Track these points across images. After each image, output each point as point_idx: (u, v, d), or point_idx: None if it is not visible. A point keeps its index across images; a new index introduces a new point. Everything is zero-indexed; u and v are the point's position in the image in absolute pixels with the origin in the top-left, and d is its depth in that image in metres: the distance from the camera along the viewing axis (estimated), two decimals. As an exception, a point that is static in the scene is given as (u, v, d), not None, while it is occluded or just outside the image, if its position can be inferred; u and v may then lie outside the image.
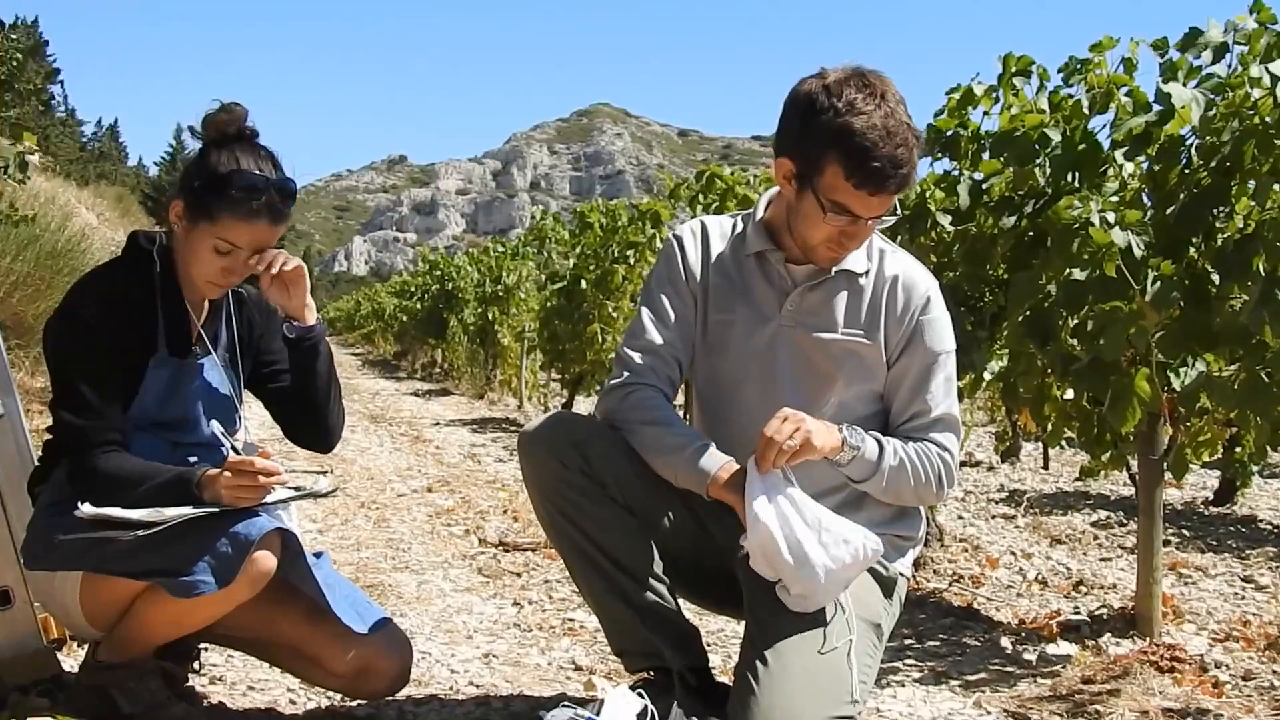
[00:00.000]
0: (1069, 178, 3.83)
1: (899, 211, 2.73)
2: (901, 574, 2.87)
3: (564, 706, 2.49)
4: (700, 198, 7.65)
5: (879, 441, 2.68)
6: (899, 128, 2.50)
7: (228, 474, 2.60)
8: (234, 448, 2.73)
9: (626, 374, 2.79)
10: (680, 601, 2.89)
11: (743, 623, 2.78)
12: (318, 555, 2.89)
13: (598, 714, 2.44)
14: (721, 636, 3.99)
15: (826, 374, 2.77)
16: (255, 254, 2.76)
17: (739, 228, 2.89)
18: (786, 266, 2.79)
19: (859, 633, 2.63)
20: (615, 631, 2.89)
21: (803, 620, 2.58)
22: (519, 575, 4.95)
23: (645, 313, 2.85)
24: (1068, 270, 3.67)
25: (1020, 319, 4.02)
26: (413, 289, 23.14)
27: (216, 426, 2.80)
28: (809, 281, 2.78)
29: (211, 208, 2.69)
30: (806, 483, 2.59)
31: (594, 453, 2.74)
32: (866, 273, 2.78)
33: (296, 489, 2.78)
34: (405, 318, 23.78)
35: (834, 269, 2.75)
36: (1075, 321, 3.85)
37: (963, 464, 9.60)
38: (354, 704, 3.10)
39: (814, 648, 2.56)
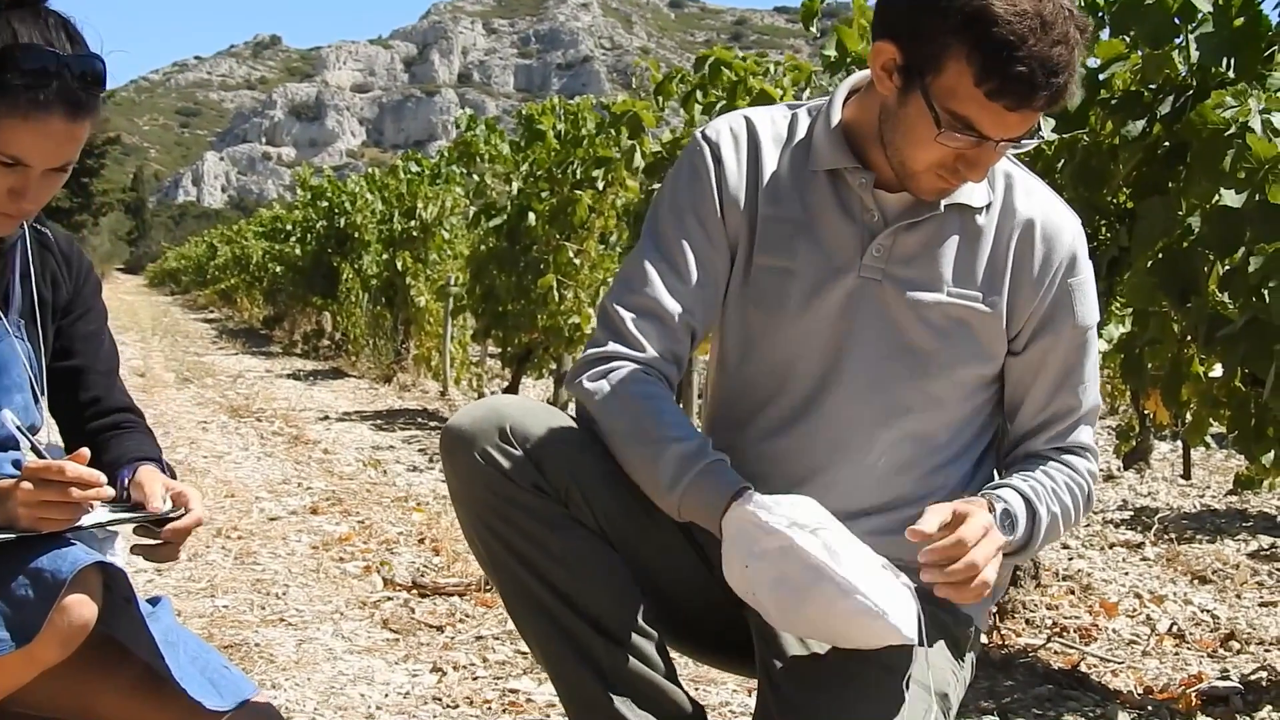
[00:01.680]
0: (1222, 64, 3.85)
1: (1043, 132, 2.71)
2: (976, 625, 2.89)
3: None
4: (699, 95, 7.65)
5: (1029, 503, 2.65)
6: (1058, 15, 2.43)
7: (26, 485, 2.58)
8: (35, 448, 2.72)
9: (612, 343, 2.76)
10: (672, 659, 2.88)
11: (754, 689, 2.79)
12: (154, 602, 2.88)
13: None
14: (726, 713, 4.02)
15: (925, 352, 2.74)
16: (56, 168, 2.74)
17: (801, 128, 2.84)
18: (875, 193, 2.75)
19: (920, 703, 2.65)
20: (580, 711, 2.87)
21: (846, 688, 2.60)
22: (440, 630, 4.97)
23: (652, 254, 2.80)
24: (1217, 195, 3.69)
25: (1150, 264, 4.03)
26: (290, 227, 23.11)
27: (9, 418, 2.79)
28: (906, 218, 2.74)
29: None
30: (829, 499, 2.60)
31: (550, 454, 2.68)
32: (987, 208, 2.76)
33: (125, 507, 2.77)
34: (280, 268, 23.77)
35: (943, 203, 2.73)
36: (1227, 268, 3.87)
37: (1070, 472, 9.64)
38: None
39: None
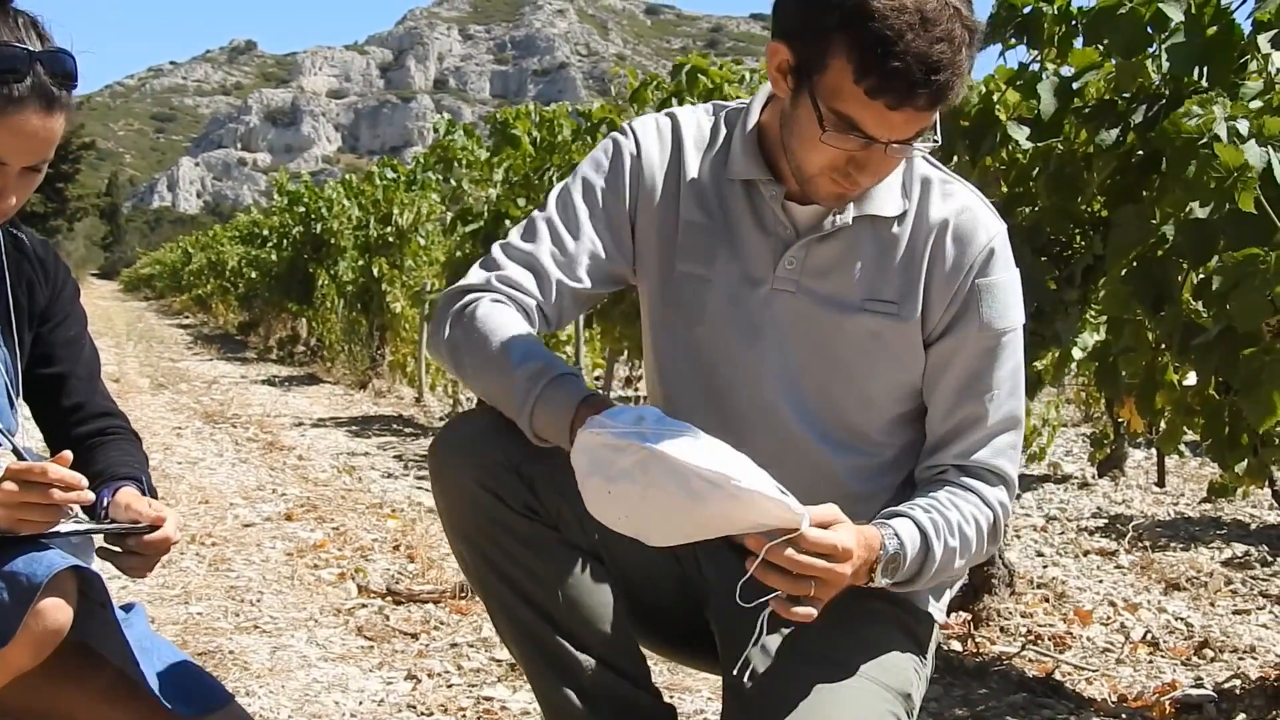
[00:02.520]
0: (1194, 74, 3.86)
1: (939, 136, 2.68)
2: (936, 620, 2.90)
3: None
4: (675, 102, 7.66)
5: (925, 537, 2.59)
6: (941, 13, 2.38)
7: (9, 485, 2.58)
8: (16, 450, 2.72)
9: (485, 277, 2.75)
10: (646, 664, 2.89)
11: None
12: (128, 609, 2.88)
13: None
14: (702, 721, 4.02)
15: (843, 361, 2.73)
16: (33, 165, 2.74)
17: (722, 135, 2.83)
18: (786, 205, 2.73)
19: (882, 701, 2.66)
20: None
21: (808, 691, 2.60)
22: (415, 637, 4.97)
23: (550, 216, 2.79)
24: (1189, 205, 3.70)
25: (1124, 273, 4.04)
26: (266, 233, 23.07)
27: (-12, 423, 2.79)
28: (818, 231, 2.72)
29: None
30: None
31: (541, 473, 2.66)
32: (902, 216, 2.72)
33: (101, 520, 2.77)
34: (255, 274, 23.71)
35: (851, 213, 2.70)
36: (1200, 276, 3.88)
37: (1045, 478, 9.68)
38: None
39: None
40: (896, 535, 2.51)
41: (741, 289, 2.74)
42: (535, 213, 2.82)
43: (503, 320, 2.65)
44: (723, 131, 2.82)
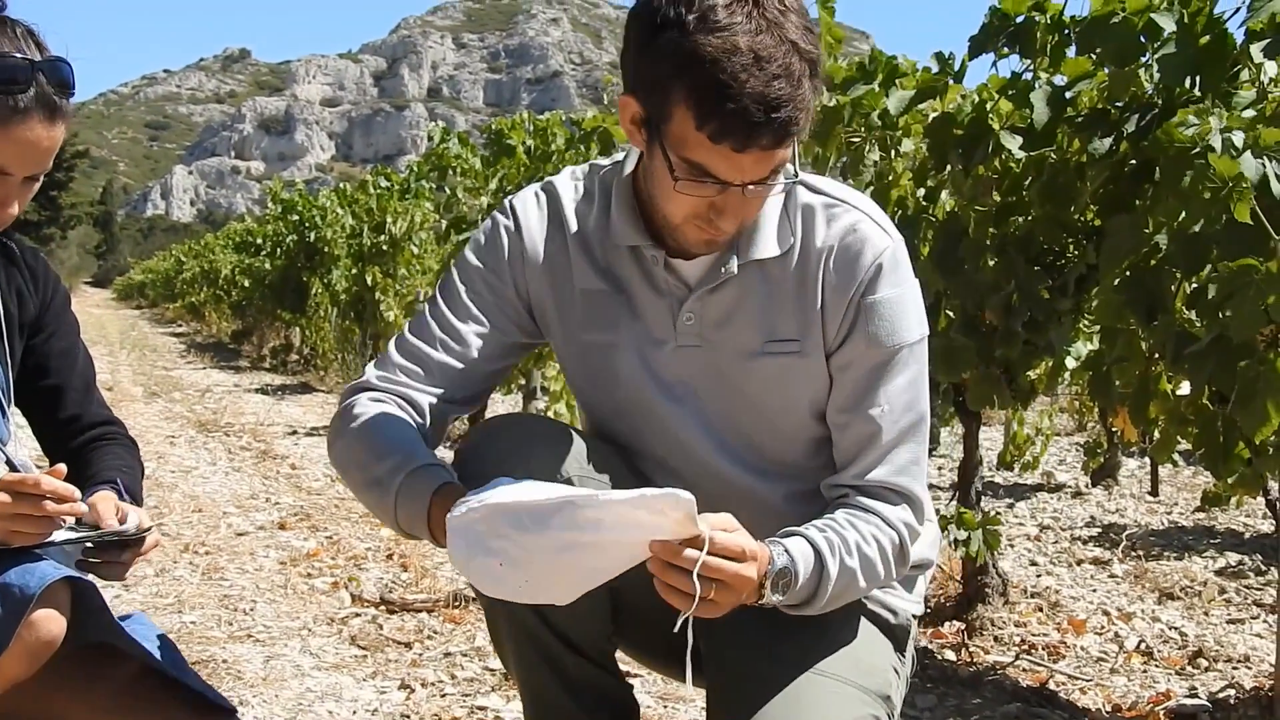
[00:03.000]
0: (1186, 83, 3.87)
1: (797, 172, 2.58)
2: (913, 615, 2.92)
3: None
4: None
5: (819, 556, 2.57)
6: (776, 49, 2.35)
7: (2, 496, 2.58)
8: (9, 460, 2.72)
9: (371, 374, 2.81)
10: (618, 663, 2.98)
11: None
12: (126, 619, 2.88)
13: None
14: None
15: (758, 404, 2.75)
16: (31, 175, 2.74)
17: (598, 198, 2.80)
18: (670, 265, 2.72)
19: (860, 705, 2.67)
20: (543, 712, 2.93)
21: (790, 697, 2.63)
22: (408, 646, 4.96)
23: (438, 298, 2.83)
24: (1182, 214, 3.70)
25: (1117, 282, 4.05)
26: (259, 241, 23.07)
27: (-20, 433, 2.79)
28: (707, 284, 2.70)
29: None
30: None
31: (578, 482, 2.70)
32: (789, 251, 2.70)
33: (93, 527, 2.76)
34: (249, 282, 23.69)
35: (735, 262, 2.68)
36: (1193, 286, 3.88)
37: (1039, 488, 9.69)
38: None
39: None
40: (786, 551, 2.49)
41: (648, 349, 2.75)
42: (425, 303, 2.85)
43: (374, 419, 2.69)
44: (598, 194, 2.80)
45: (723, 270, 2.67)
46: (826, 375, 2.71)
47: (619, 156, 2.82)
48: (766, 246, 2.67)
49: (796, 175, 2.56)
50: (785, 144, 2.41)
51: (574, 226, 2.79)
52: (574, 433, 2.73)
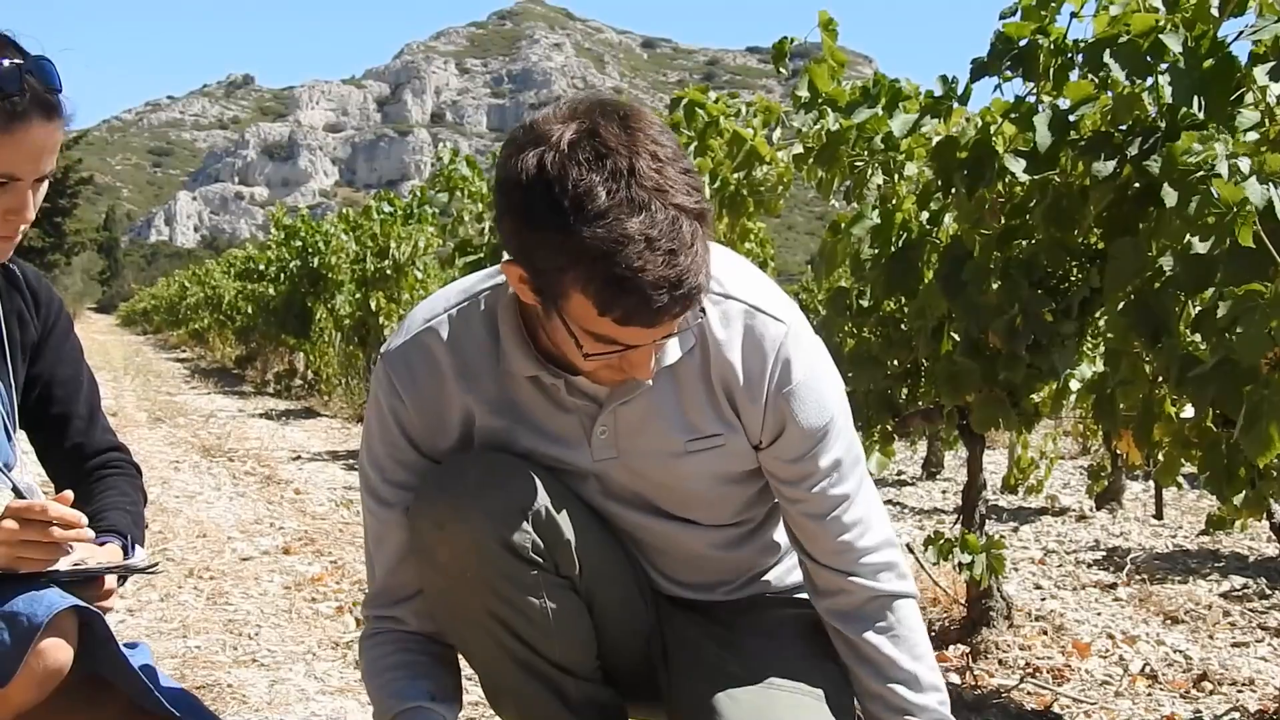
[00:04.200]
0: (1191, 105, 3.87)
1: (703, 310, 2.59)
2: None
3: None
4: (674, 131, 7.67)
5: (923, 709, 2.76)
6: (665, 223, 2.28)
7: (8, 523, 2.58)
8: (15, 488, 2.71)
9: (364, 614, 2.94)
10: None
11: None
12: (132, 646, 2.88)
13: None
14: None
15: (683, 490, 2.80)
16: (40, 178, 2.75)
17: (484, 327, 2.74)
18: (573, 388, 2.69)
19: (820, 714, 2.74)
20: None
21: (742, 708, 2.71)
22: (414, 670, 4.95)
23: (372, 509, 2.85)
24: (1187, 238, 3.70)
25: (1121, 305, 4.05)
26: (262, 267, 23.08)
27: (-9, 460, 2.79)
28: (617, 398, 2.69)
29: None
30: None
31: (545, 522, 2.69)
32: (691, 350, 2.68)
33: (99, 562, 2.76)
34: (252, 308, 23.70)
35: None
36: (1198, 309, 3.88)
37: (1043, 511, 9.68)
38: None
39: None
40: None
41: (561, 467, 2.75)
42: (365, 517, 2.88)
43: (366, 670, 2.86)
44: (482, 323, 2.74)
45: (634, 383, 2.64)
46: (752, 452, 2.75)
47: (498, 277, 2.72)
48: (672, 351, 2.65)
49: (697, 321, 2.57)
50: (693, 305, 2.38)
51: (461, 372, 2.73)
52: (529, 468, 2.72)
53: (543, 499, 2.67)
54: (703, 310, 2.63)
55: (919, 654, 2.77)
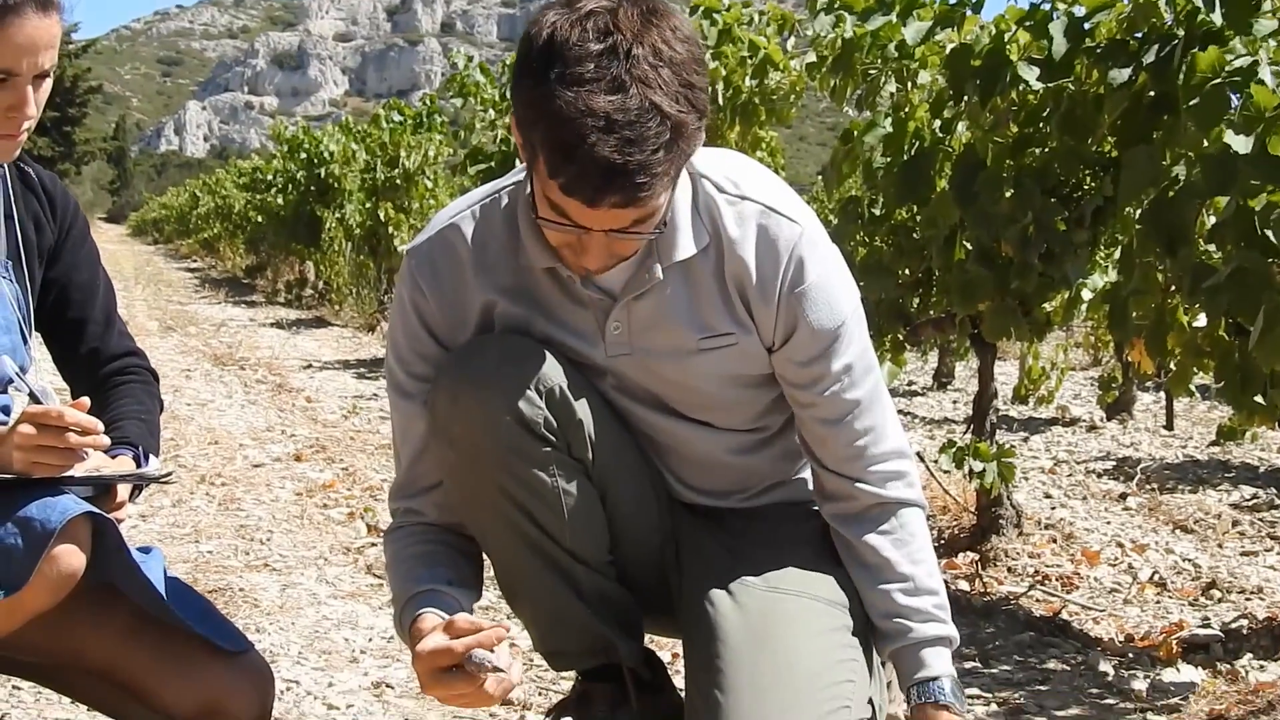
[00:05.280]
0: (1211, 12, 3.83)
1: (665, 223, 2.54)
2: None
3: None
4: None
5: (939, 636, 2.76)
6: (634, 113, 2.30)
7: (25, 428, 2.57)
8: (31, 393, 2.71)
9: (390, 507, 2.94)
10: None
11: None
12: (146, 551, 2.88)
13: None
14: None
15: (699, 391, 2.79)
16: (41, 74, 2.73)
17: (502, 219, 2.77)
18: (589, 280, 2.69)
19: (827, 616, 2.74)
20: (556, 630, 2.95)
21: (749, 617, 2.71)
22: (425, 576, 4.97)
23: (397, 402, 2.87)
24: (1221, 131, 3.68)
25: (1135, 214, 4.04)
26: (271, 177, 23.03)
27: (7, 363, 2.78)
28: (631, 291, 2.70)
29: None
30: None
31: (559, 401, 2.70)
32: (705, 249, 2.70)
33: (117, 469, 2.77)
34: (262, 218, 23.68)
35: (659, 269, 2.67)
36: (1214, 219, 3.87)
37: (1054, 422, 9.70)
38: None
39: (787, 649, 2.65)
40: (936, 671, 2.73)
41: (578, 360, 2.77)
42: (392, 416, 2.91)
43: (389, 564, 2.85)
44: (502, 219, 2.77)
45: (646, 276, 2.66)
46: (765, 354, 2.74)
47: (521, 174, 2.75)
48: (685, 247, 2.66)
49: (663, 228, 2.55)
50: (638, 205, 2.37)
51: (481, 264, 2.76)
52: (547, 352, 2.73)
53: (558, 379, 2.68)
54: (714, 214, 2.68)
55: (918, 559, 2.76)
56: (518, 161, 2.87)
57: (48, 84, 2.75)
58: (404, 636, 2.64)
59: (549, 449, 2.69)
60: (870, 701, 2.71)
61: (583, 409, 2.71)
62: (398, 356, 2.83)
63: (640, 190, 2.32)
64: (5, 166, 2.90)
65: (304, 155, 19.04)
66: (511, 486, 2.71)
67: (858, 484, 2.76)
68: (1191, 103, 3.71)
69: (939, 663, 2.70)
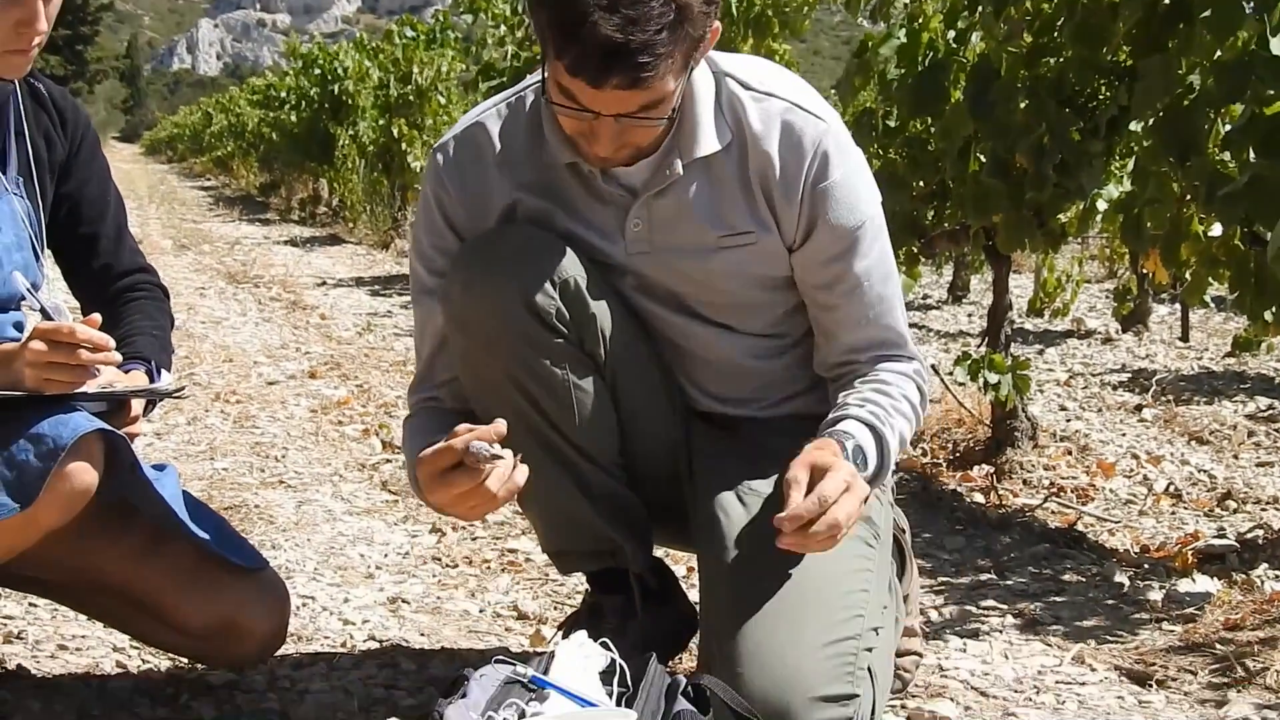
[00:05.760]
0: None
1: (675, 110, 2.55)
2: None
3: (498, 663, 2.50)
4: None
5: (874, 430, 2.66)
6: None
7: (36, 344, 2.57)
8: (43, 309, 2.70)
9: (411, 409, 2.97)
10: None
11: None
12: (160, 469, 2.88)
13: (545, 672, 2.46)
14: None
15: (720, 290, 2.79)
16: None
17: (526, 116, 2.79)
18: (609, 175, 2.72)
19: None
20: (563, 529, 2.99)
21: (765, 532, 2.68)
22: (440, 491, 4.98)
23: (418, 297, 2.90)
24: (1217, 52, 3.65)
25: (1150, 123, 4.01)
26: (284, 94, 22.95)
27: (19, 279, 2.77)
28: (652, 187, 2.71)
29: None
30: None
31: (574, 293, 2.72)
32: (728, 146, 2.71)
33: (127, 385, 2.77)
34: (275, 136, 23.61)
35: (679, 164, 2.68)
36: (1228, 126, 3.84)
37: (1069, 334, 9.68)
38: (205, 669, 3.15)
39: (804, 566, 2.64)
40: (852, 436, 2.61)
41: (598, 257, 2.77)
42: (414, 310, 2.96)
43: (406, 437, 2.90)
44: (527, 115, 2.79)
45: (667, 173, 2.68)
46: (785, 255, 2.75)
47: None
48: (707, 143, 2.67)
49: (673, 115, 2.54)
50: (643, 86, 2.39)
51: (505, 160, 2.78)
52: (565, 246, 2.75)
53: (574, 272, 2.69)
54: (738, 111, 2.69)
55: (893, 406, 2.71)
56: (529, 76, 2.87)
57: (58, 1, 2.73)
58: (416, 486, 2.65)
59: (560, 340, 2.71)
60: (884, 610, 2.71)
61: (598, 304, 2.72)
62: (420, 254, 2.86)
63: (643, 70, 2.35)
64: (16, 83, 2.89)
65: (318, 72, 18.99)
66: (521, 376, 2.73)
67: (860, 368, 2.77)
68: (1206, 12, 3.68)
69: (863, 438, 2.63)
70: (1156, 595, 3.88)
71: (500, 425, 2.43)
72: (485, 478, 2.41)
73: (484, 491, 2.43)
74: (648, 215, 2.72)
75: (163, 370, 2.90)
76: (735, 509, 2.74)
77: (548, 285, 2.67)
